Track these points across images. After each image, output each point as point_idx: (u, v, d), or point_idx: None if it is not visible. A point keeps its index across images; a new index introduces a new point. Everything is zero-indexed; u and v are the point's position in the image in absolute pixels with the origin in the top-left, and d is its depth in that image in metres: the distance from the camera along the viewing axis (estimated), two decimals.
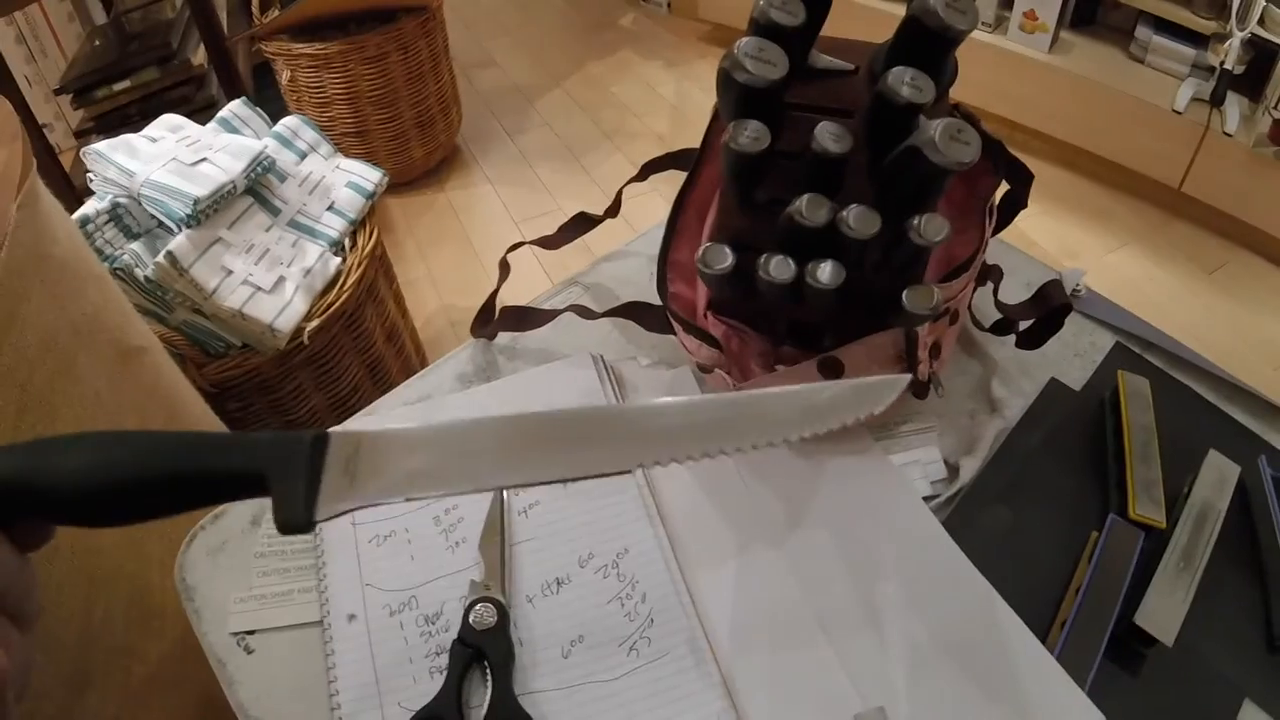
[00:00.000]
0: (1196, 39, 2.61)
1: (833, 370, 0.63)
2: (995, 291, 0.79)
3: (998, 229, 0.79)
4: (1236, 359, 2.22)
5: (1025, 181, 0.77)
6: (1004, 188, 0.76)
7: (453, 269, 2.55)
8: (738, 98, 0.56)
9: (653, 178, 0.85)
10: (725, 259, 0.59)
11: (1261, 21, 2.36)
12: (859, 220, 0.54)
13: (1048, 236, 2.56)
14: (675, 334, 0.74)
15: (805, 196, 0.55)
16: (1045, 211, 2.66)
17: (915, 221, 0.53)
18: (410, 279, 2.51)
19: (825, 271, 0.56)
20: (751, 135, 0.55)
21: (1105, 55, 2.78)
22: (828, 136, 0.54)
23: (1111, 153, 2.73)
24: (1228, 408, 0.82)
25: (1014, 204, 0.78)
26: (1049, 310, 0.75)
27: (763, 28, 0.54)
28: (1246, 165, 2.46)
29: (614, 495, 0.71)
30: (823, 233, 0.55)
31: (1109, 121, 2.67)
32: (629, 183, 0.85)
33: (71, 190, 2.45)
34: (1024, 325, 0.79)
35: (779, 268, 0.57)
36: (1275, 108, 2.35)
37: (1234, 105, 2.51)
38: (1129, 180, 2.74)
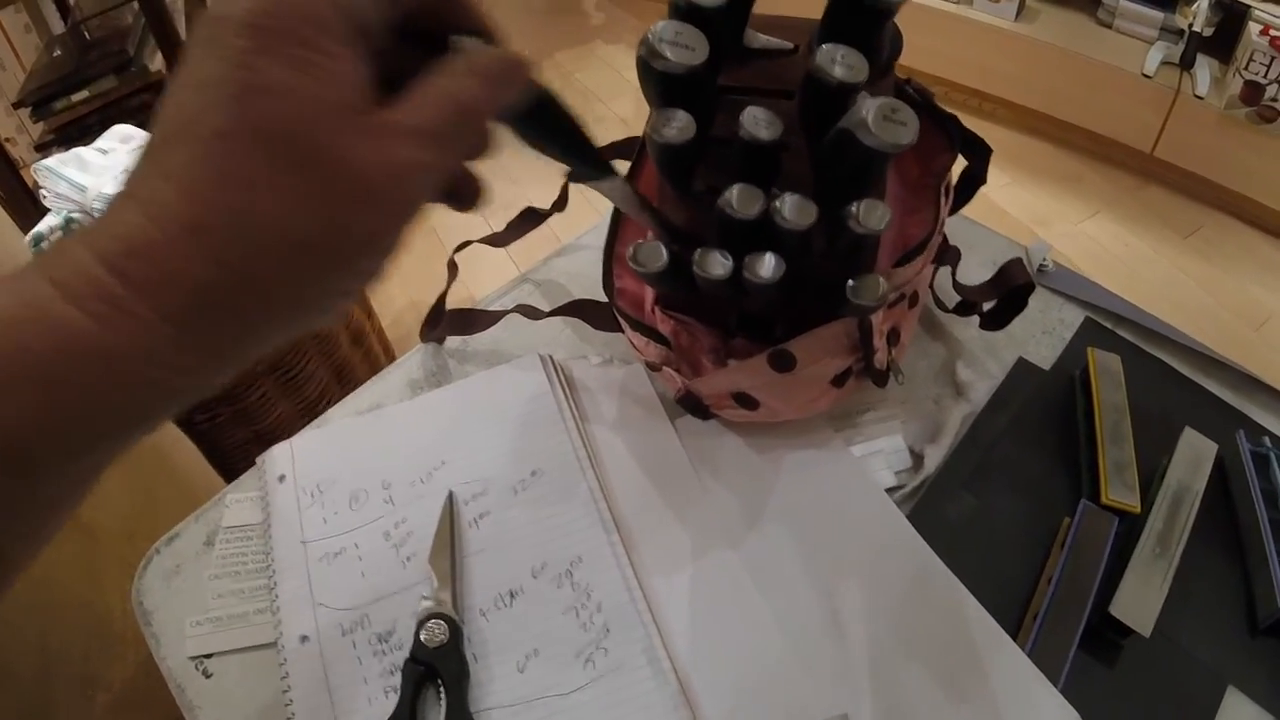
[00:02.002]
0: (1164, 2, 2.60)
1: (784, 363, 0.61)
2: (954, 272, 0.76)
3: (957, 206, 0.77)
4: (1216, 322, 2.21)
5: (984, 156, 0.74)
6: (962, 163, 0.74)
7: (420, 265, 2.49)
8: (659, 86, 0.53)
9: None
10: (659, 257, 0.56)
11: None
12: (794, 210, 0.51)
13: (1019, 206, 2.55)
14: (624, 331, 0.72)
15: (736, 188, 0.52)
16: (1016, 181, 2.64)
17: (853, 209, 0.51)
18: None
19: (764, 265, 0.53)
20: (677, 126, 0.52)
21: (1073, 21, 2.77)
22: (757, 122, 0.51)
23: (1082, 119, 2.73)
24: (1204, 380, 0.80)
25: (973, 180, 0.76)
26: (1011, 290, 0.73)
27: (682, 10, 0.51)
28: (1218, 127, 2.45)
29: (565, 502, 0.69)
30: (760, 223, 0.52)
31: (1079, 88, 2.66)
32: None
33: (35, 206, 2.41)
34: (988, 305, 0.77)
35: (713, 264, 0.54)
36: (1246, 69, 2.34)
37: (1204, 67, 2.50)
38: (1100, 146, 2.73)
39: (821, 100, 0.51)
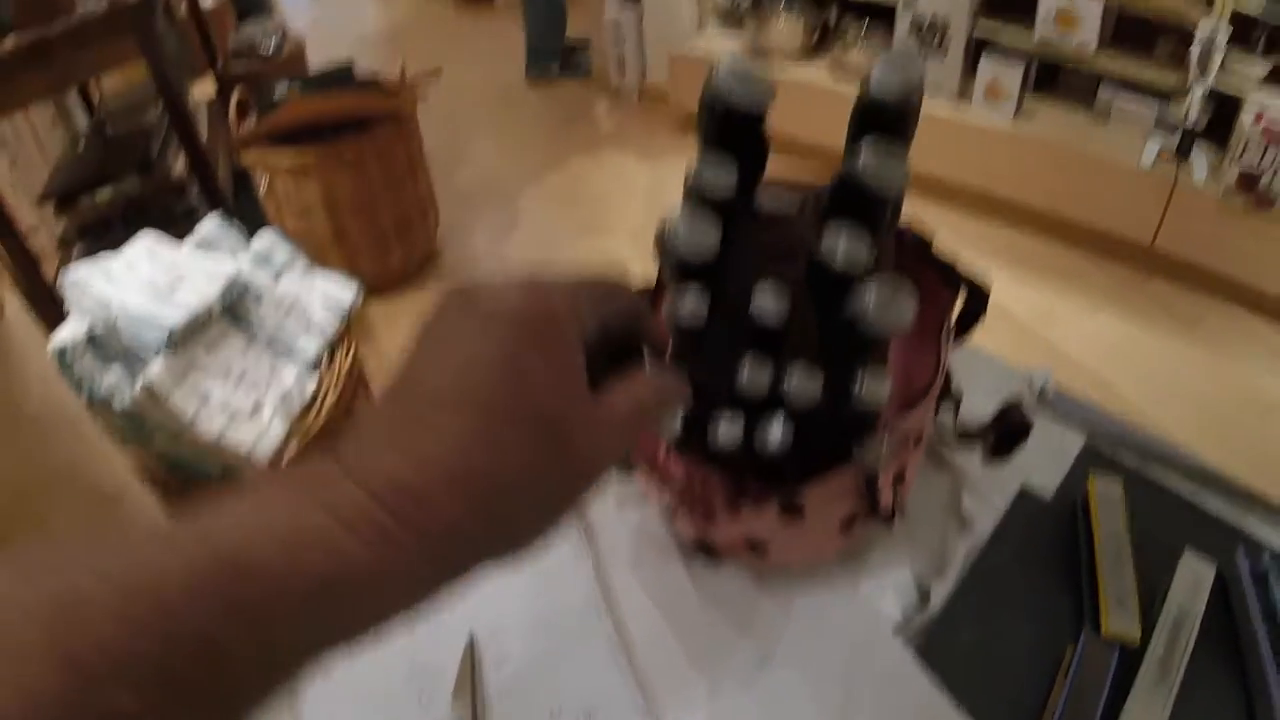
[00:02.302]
0: (1159, 95, 2.65)
1: (794, 510, 0.63)
2: (955, 415, 0.78)
3: (957, 341, 0.79)
4: (1223, 412, 2.22)
5: (982, 297, 0.77)
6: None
7: None
8: (676, 267, 0.56)
9: None
10: (674, 423, 0.59)
11: (1222, 70, 2.40)
12: (800, 385, 0.54)
13: (1023, 305, 2.58)
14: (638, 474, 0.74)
15: (747, 364, 0.55)
16: (1020, 280, 2.68)
17: (858, 382, 0.54)
18: None
19: (772, 435, 0.56)
20: (690, 309, 0.56)
21: (1069, 119, 2.83)
22: (766, 302, 0.55)
23: (1082, 215, 2.77)
24: (1205, 496, 0.81)
25: (972, 317, 0.78)
26: (1010, 430, 0.75)
27: (697, 196, 0.54)
28: (1217, 216, 2.49)
29: (584, 644, 0.70)
30: (770, 390, 0.56)
31: (1078, 184, 2.71)
32: None
33: (53, 300, 2.45)
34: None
35: (726, 433, 0.57)
36: (1241, 157, 2.38)
37: (1200, 157, 2.55)
38: (1102, 241, 2.77)
39: (826, 281, 0.54)
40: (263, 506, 0.32)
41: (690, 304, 0.56)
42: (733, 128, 0.54)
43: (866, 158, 0.49)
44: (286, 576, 0.30)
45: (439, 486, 0.33)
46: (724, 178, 0.54)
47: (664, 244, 0.54)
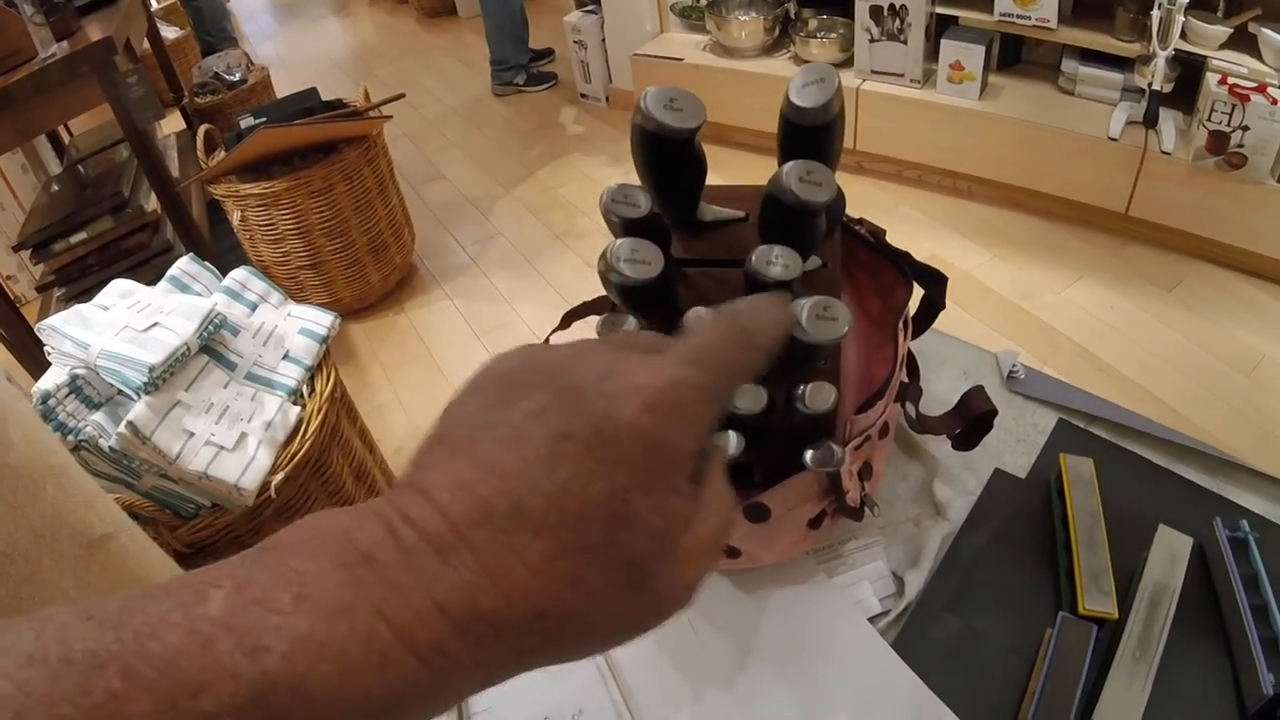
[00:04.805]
0: (1122, 63, 2.66)
1: (759, 515, 0.64)
2: (916, 408, 0.79)
3: (918, 332, 0.80)
4: (1208, 373, 2.23)
5: (940, 284, 0.77)
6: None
7: (420, 390, 2.55)
8: (620, 294, 0.57)
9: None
10: None
11: (1183, 35, 2.41)
12: (744, 399, 0.55)
13: (1002, 281, 2.58)
14: None
15: None
16: (998, 256, 2.68)
17: (801, 392, 0.55)
18: (378, 404, 2.53)
19: (725, 444, 0.57)
20: (624, 329, 0.56)
21: (1035, 93, 2.84)
22: (703, 311, 0.55)
23: (1055, 188, 2.77)
24: (1180, 465, 0.81)
25: (932, 308, 0.79)
26: (974, 418, 0.75)
27: (621, 225, 0.55)
28: (1189, 179, 2.50)
29: None
30: None
31: (1048, 158, 2.72)
32: (554, 332, 0.86)
33: (36, 343, 2.46)
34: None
35: None
36: (1209, 119, 2.38)
37: (1168, 122, 2.55)
38: (1077, 212, 2.77)
39: (762, 291, 0.55)
40: (309, 607, 0.29)
41: (625, 325, 0.57)
42: (666, 151, 0.55)
43: (789, 181, 0.50)
44: (337, 695, 0.28)
45: (523, 622, 0.31)
46: (631, 210, 0.54)
47: (606, 275, 0.54)
